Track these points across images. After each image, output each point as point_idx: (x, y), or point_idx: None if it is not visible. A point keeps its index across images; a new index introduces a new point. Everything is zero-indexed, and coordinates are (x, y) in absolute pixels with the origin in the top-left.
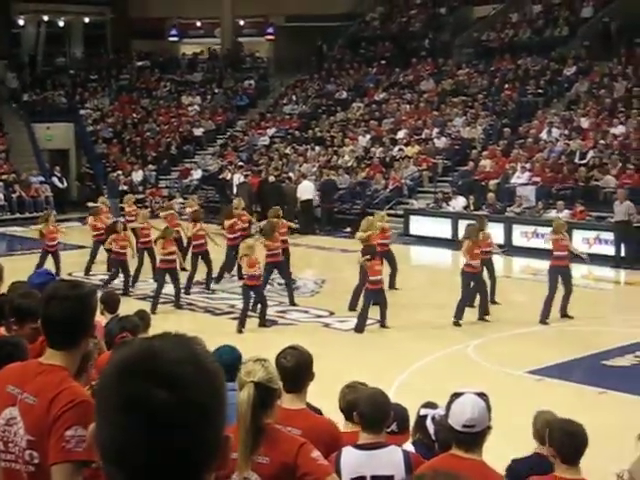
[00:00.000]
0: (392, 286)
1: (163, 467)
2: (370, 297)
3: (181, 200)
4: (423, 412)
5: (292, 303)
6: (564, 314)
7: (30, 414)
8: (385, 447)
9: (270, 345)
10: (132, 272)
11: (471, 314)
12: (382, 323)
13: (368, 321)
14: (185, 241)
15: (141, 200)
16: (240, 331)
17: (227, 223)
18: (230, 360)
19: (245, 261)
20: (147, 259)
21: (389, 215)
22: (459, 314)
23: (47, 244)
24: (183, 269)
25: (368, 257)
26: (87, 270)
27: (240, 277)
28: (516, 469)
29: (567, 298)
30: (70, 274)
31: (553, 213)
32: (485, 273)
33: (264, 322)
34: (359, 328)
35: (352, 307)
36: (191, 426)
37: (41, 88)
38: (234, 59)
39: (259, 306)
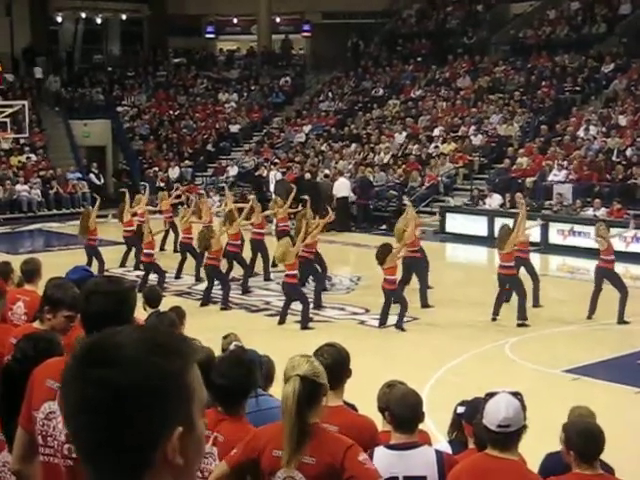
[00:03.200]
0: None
1: (92, 442)
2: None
3: (217, 198)
4: (460, 410)
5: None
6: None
7: None
8: (417, 447)
9: (306, 342)
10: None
11: (509, 312)
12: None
13: (404, 318)
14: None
15: (177, 197)
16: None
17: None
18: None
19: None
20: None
21: (425, 212)
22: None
23: (91, 240)
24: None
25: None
26: (122, 262)
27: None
28: (549, 462)
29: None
30: (107, 270)
31: (590, 211)
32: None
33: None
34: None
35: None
36: (116, 406)
37: (79, 85)
38: (275, 56)
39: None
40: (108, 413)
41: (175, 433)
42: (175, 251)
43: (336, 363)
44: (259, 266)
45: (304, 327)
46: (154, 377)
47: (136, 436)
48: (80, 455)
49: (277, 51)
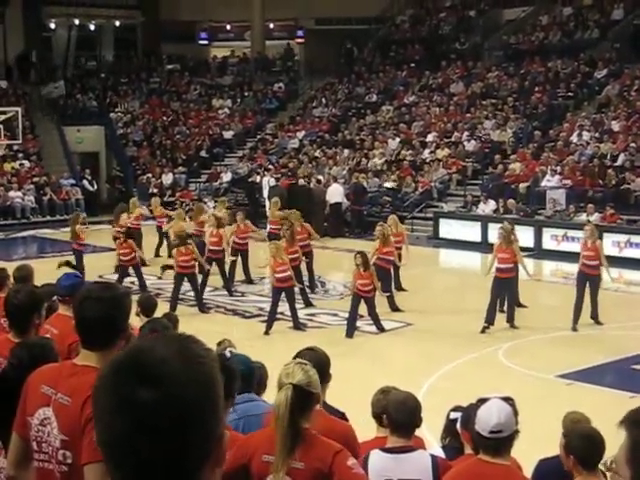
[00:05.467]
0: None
1: (154, 465)
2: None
3: (212, 204)
4: (453, 416)
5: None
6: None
7: (64, 414)
8: (413, 451)
9: (297, 347)
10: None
11: (502, 317)
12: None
13: (396, 324)
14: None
15: (170, 203)
16: (267, 333)
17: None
18: (244, 371)
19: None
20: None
21: (418, 218)
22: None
23: (78, 244)
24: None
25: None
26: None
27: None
28: (542, 469)
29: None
30: (101, 276)
31: (584, 216)
32: None
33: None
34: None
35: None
36: (179, 423)
37: (72, 91)
38: (268, 63)
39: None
40: (171, 433)
41: (225, 438)
42: (170, 256)
43: (316, 367)
44: (258, 272)
45: (297, 327)
46: (204, 388)
47: (197, 449)
48: (130, 475)
49: (275, 57)
